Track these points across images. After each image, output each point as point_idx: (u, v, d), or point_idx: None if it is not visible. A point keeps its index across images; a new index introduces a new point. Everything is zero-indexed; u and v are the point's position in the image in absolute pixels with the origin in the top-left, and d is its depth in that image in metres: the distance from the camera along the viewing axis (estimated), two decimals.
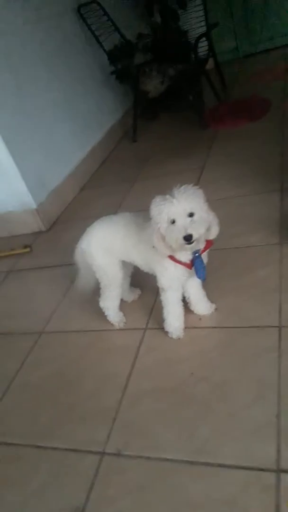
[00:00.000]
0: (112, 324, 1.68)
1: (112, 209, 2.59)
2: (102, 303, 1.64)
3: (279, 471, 1.05)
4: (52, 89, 2.86)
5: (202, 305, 1.58)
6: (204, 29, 3.73)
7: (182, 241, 1.21)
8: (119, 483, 1.16)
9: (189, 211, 1.22)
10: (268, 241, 1.83)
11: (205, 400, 1.28)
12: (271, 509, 0.98)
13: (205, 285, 1.56)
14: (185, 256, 1.34)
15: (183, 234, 1.20)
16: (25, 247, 2.47)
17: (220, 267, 1.77)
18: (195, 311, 1.58)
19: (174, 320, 1.51)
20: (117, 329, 1.67)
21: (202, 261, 1.35)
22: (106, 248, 1.51)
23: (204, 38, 3.58)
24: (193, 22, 4.11)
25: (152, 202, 1.26)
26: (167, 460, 1.17)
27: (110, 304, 1.64)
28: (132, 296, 1.78)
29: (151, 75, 3.28)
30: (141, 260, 1.50)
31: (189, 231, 1.20)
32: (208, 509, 1.03)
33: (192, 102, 3.26)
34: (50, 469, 1.26)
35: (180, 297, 1.49)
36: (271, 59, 4.48)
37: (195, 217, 1.23)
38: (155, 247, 1.31)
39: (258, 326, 1.45)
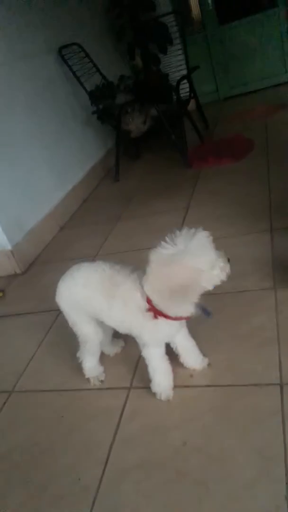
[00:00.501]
0: (88, 381, 1.49)
1: (93, 251, 2.45)
2: (79, 354, 1.46)
3: None
4: (31, 127, 2.78)
5: (192, 358, 1.40)
6: (184, 71, 3.78)
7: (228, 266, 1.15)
8: None
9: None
10: (262, 285, 1.70)
11: (200, 478, 1.09)
12: None
13: (195, 335, 1.40)
14: (187, 310, 1.19)
15: (227, 261, 1.15)
16: None
17: (216, 315, 1.62)
18: (185, 364, 1.41)
19: (161, 378, 1.33)
20: (97, 389, 1.48)
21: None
22: (77, 305, 1.34)
23: (185, 80, 3.61)
24: (174, 65, 4.17)
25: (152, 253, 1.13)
26: None
27: (86, 357, 1.46)
28: (114, 349, 1.59)
29: (133, 115, 3.24)
30: (116, 321, 1.31)
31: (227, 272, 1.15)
32: None
33: (174, 142, 3.22)
34: None
35: (164, 351, 1.32)
36: (250, 100, 4.57)
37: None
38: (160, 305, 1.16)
39: (257, 384, 1.28)
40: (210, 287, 1.14)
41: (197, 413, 1.26)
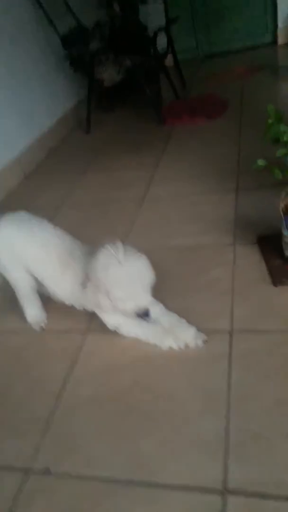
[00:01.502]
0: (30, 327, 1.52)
1: (58, 202, 2.42)
2: (20, 301, 1.50)
3: (226, 492, 0.94)
4: None
5: (186, 333, 1.31)
6: (163, 23, 3.64)
7: (134, 315, 1.23)
8: (45, 506, 1.00)
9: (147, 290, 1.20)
10: (222, 241, 1.74)
11: (150, 411, 1.16)
12: None
13: (156, 286, 1.42)
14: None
15: (140, 313, 1.22)
16: None
17: (173, 267, 1.66)
18: (177, 340, 1.31)
19: (156, 334, 1.33)
20: (56, 331, 1.51)
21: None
22: (13, 252, 1.37)
23: (163, 33, 3.49)
24: (153, 17, 4.01)
25: (100, 264, 1.19)
26: (103, 479, 1.03)
27: (24, 303, 1.49)
28: None
29: (107, 64, 3.12)
30: (66, 293, 1.38)
31: (143, 311, 1.22)
32: None
33: (149, 97, 3.15)
34: None
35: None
36: (230, 61, 4.48)
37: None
38: (94, 303, 1.27)
39: (209, 330, 1.34)
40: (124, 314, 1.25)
41: (150, 356, 1.31)
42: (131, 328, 1.34)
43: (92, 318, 1.49)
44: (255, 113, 2.96)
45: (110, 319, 1.34)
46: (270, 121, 1.57)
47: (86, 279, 1.25)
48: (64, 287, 1.37)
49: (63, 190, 2.54)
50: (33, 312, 1.51)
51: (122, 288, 1.17)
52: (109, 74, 3.16)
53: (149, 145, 2.90)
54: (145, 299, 1.21)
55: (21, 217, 1.43)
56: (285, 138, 1.56)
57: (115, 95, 3.62)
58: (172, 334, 1.30)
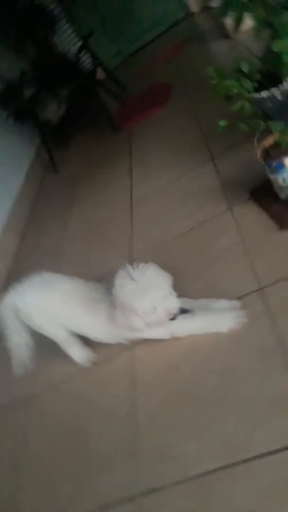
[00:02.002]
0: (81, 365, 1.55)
1: (60, 245, 2.46)
2: (62, 348, 1.54)
3: None
4: None
5: (227, 317, 1.31)
6: (80, 43, 3.71)
7: (167, 321, 1.24)
8: None
9: (164, 295, 1.22)
10: (218, 210, 1.75)
11: (219, 394, 1.16)
12: None
13: (176, 275, 1.42)
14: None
15: (169, 317, 1.23)
16: None
17: (182, 254, 1.68)
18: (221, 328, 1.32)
19: (210, 320, 1.33)
20: (105, 360, 1.53)
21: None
22: (44, 309, 1.43)
23: (85, 51, 3.56)
24: (68, 42, 4.09)
25: (119, 287, 1.23)
26: (206, 473, 1.04)
27: (68, 350, 1.54)
28: None
29: (46, 103, 3.19)
30: (104, 332, 1.43)
31: (174, 311, 1.24)
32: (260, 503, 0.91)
33: (96, 113, 3.20)
34: None
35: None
36: (155, 48, 4.52)
37: (167, 294, 1.23)
38: (129, 328, 1.29)
39: (240, 297, 1.35)
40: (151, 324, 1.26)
41: (198, 340, 1.32)
42: (181, 328, 1.35)
43: None
44: (200, 83, 2.96)
45: (160, 332, 1.35)
46: (214, 81, 1.59)
47: (112, 310, 1.29)
48: (99, 328, 1.42)
49: (58, 231, 2.59)
50: (78, 351, 1.54)
51: (144, 300, 1.20)
52: (52, 112, 3.22)
53: (116, 155, 2.94)
54: (170, 301, 1.23)
55: (40, 277, 1.49)
56: (235, 91, 1.57)
57: (66, 126, 3.69)
58: (220, 313, 1.32)
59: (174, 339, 1.36)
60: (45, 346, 1.74)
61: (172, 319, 1.25)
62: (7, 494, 1.37)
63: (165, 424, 1.20)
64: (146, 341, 1.44)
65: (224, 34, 3.24)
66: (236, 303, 1.32)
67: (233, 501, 0.96)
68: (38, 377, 1.68)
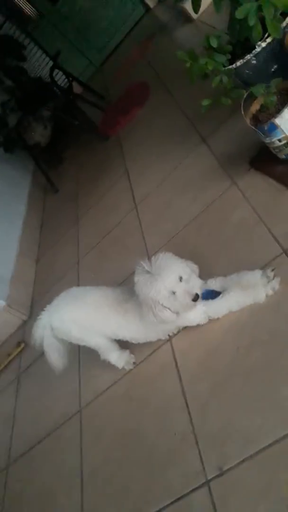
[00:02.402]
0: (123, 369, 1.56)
1: (75, 259, 2.48)
2: (102, 357, 1.55)
3: None
4: None
5: (260, 286, 1.28)
6: (51, 63, 3.75)
7: (192, 303, 1.21)
8: (242, 499, 1.00)
9: (178, 277, 1.20)
10: (223, 187, 1.74)
11: (266, 364, 1.15)
12: None
13: (198, 260, 1.38)
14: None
15: (191, 298, 1.19)
16: (19, 344, 2.31)
17: (199, 239, 1.68)
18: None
19: (245, 293, 1.29)
20: (144, 360, 1.53)
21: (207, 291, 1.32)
22: (80, 322, 1.45)
23: (57, 71, 3.60)
24: (39, 64, 4.13)
25: (136, 283, 1.23)
26: (271, 445, 1.02)
27: (108, 356, 1.54)
28: None
29: (32, 127, 3.23)
30: (141, 331, 1.42)
31: (194, 291, 1.20)
32: None
33: (81, 126, 3.23)
34: None
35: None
36: (123, 51, 4.56)
37: (185, 277, 1.21)
38: (160, 321, 1.25)
39: (266, 264, 1.33)
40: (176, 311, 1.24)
41: (231, 321, 1.31)
42: (217, 309, 1.32)
43: None
44: (174, 73, 2.98)
45: (196, 317, 1.34)
46: (188, 64, 1.59)
47: (140, 308, 1.28)
48: (134, 328, 1.41)
49: (70, 247, 2.61)
50: (118, 356, 1.55)
51: (158, 287, 1.19)
52: (39, 135, 3.26)
53: (109, 162, 2.96)
54: (192, 284, 1.21)
55: (69, 293, 1.51)
56: (210, 67, 1.56)
57: (56, 145, 3.73)
58: (253, 284, 1.28)
59: (212, 322, 1.35)
60: (85, 358, 1.77)
61: (195, 300, 1.20)
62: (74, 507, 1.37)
63: (219, 407, 1.19)
64: (181, 331, 1.44)
65: (186, 18, 3.24)
66: (269, 270, 1.29)
67: None
68: (85, 388, 1.70)
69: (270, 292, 1.25)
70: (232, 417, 1.14)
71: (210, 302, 1.32)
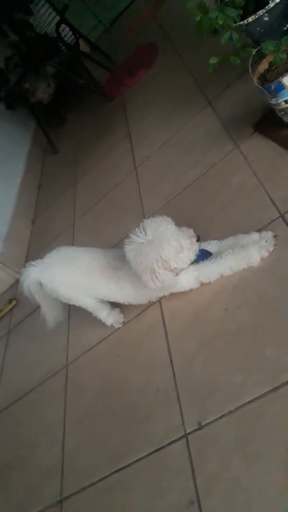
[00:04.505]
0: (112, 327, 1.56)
1: (70, 220, 2.45)
2: (92, 313, 1.54)
3: None
4: None
5: (254, 249, 1.26)
6: (57, 19, 3.61)
7: (197, 244, 1.21)
8: (218, 453, 1.02)
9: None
10: (225, 150, 1.70)
11: (253, 325, 1.15)
12: None
13: (194, 222, 1.37)
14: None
15: (194, 239, 1.19)
16: (10, 301, 2.32)
17: (198, 202, 1.64)
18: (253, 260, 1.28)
19: (238, 257, 1.26)
20: (134, 318, 1.52)
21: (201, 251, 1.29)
22: (69, 283, 1.42)
23: (64, 26, 3.47)
24: (46, 19, 3.98)
25: (133, 257, 1.18)
26: (251, 401, 1.03)
27: (97, 313, 1.54)
28: None
29: (35, 84, 3.14)
30: (133, 294, 1.39)
31: (196, 239, 1.20)
32: None
33: (86, 85, 3.13)
34: (146, 482, 1.11)
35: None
36: (133, 10, 4.39)
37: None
38: (159, 287, 1.21)
39: (261, 228, 1.31)
40: (184, 265, 1.23)
41: (221, 283, 1.30)
42: (209, 274, 1.29)
43: None
44: (184, 34, 2.87)
45: (188, 282, 1.31)
46: (197, 17, 1.52)
47: (133, 275, 1.25)
48: (127, 292, 1.38)
49: (66, 209, 2.58)
50: (107, 314, 1.54)
51: (166, 244, 1.15)
52: (42, 92, 3.17)
53: (112, 124, 2.89)
54: (188, 238, 1.19)
55: (60, 252, 1.47)
56: (220, 22, 1.49)
57: (59, 104, 3.64)
58: (248, 247, 1.24)
59: (203, 286, 1.33)
60: (75, 316, 1.78)
61: (198, 240, 1.21)
62: (56, 457, 1.40)
63: (203, 365, 1.19)
64: (171, 294, 1.43)
65: None
66: (268, 233, 1.25)
67: (286, 419, 0.94)
68: (73, 345, 1.71)
69: (265, 254, 1.22)
70: (215, 375, 1.14)
71: (202, 265, 1.29)
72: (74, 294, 1.46)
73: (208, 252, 1.32)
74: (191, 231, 1.20)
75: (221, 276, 1.29)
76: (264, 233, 1.26)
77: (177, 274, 1.23)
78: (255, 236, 1.27)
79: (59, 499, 1.30)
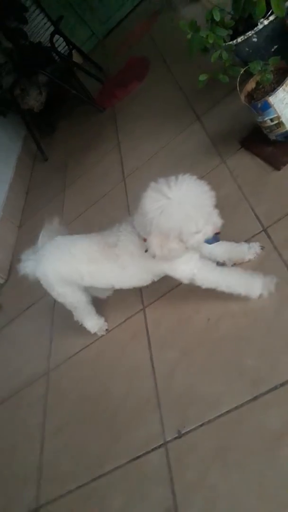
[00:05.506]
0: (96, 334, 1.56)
1: (57, 228, 2.45)
2: (76, 318, 1.51)
3: None
4: None
5: (239, 251, 1.27)
6: (52, 29, 3.67)
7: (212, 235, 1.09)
8: (196, 461, 1.03)
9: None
10: (212, 164, 1.73)
11: (234, 335, 1.17)
12: None
13: None
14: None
15: (215, 231, 1.07)
16: None
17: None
18: (237, 262, 1.29)
19: (239, 280, 1.17)
20: (118, 325, 1.54)
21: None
22: (64, 275, 1.35)
23: (58, 37, 3.52)
24: (41, 29, 4.04)
25: (154, 210, 1.02)
26: (230, 411, 1.04)
27: (83, 318, 1.52)
28: (106, 292, 1.58)
29: (27, 91, 3.16)
30: (136, 274, 1.27)
31: (218, 226, 1.07)
32: None
33: (77, 95, 3.17)
34: (124, 490, 1.11)
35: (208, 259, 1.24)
36: (127, 25, 4.47)
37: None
38: (162, 257, 1.08)
39: (246, 241, 1.34)
40: (190, 246, 1.07)
41: (208, 290, 1.32)
42: (207, 280, 1.18)
43: (141, 294, 1.52)
44: (175, 51, 2.95)
45: (184, 273, 1.19)
46: (188, 35, 1.57)
47: (127, 252, 1.17)
48: (131, 273, 1.27)
49: (55, 214, 2.58)
50: (93, 321, 1.54)
51: (192, 222, 1.02)
52: (34, 99, 3.19)
53: (102, 134, 2.92)
54: (215, 219, 1.07)
55: (54, 244, 1.39)
56: (210, 41, 1.54)
57: (51, 113, 3.66)
58: (253, 277, 1.17)
59: (187, 291, 1.32)
60: (58, 322, 1.77)
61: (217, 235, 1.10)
62: (34, 465, 1.39)
63: (185, 373, 1.21)
64: (156, 302, 1.45)
65: None
66: (256, 243, 1.27)
67: (264, 429, 0.96)
68: (55, 351, 1.70)
69: (266, 294, 1.16)
70: (196, 384, 1.16)
71: (206, 267, 1.19)
72: (68, 288, 1.39)
73: (217, 238, 1.17)
74: (219, 222, 1.08)
75: (215, 288, 1.19)
76: (252, 243, 1.28)
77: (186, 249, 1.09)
78: (244, 246, 1.28)
79: (35, 507, 1.29)
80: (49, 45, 3.49)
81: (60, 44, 3.71)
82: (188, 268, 1.18)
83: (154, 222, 1.02)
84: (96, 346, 1.55)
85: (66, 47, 3.62)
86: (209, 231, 1.07)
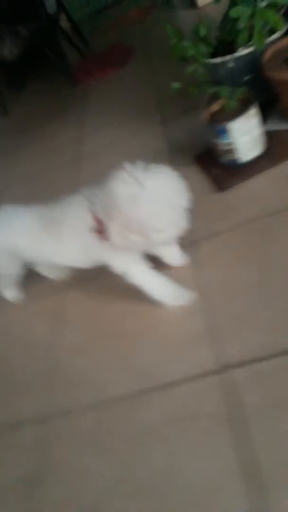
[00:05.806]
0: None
1: (1, 188, 2.39)
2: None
3: (221, 369, 1.04)
4: None
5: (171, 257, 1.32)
6: None
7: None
8: (70, 444, 1.08)
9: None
10: None
11: (137, 333, 1.24)
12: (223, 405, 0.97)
13: None
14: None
15: (177, 238, 1.04)
16: None
17: None
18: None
19: (163, 287, 1.21)
20: (38, 299, 1.55)
21: None
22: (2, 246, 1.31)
23: None
24: None
25: (123, 195, 0.96)
26: (116, 400, 1.11)
27: (4, 288, 1.54)
28: (61, 274, 1.56)
29: (3, 39, 3.02)
30: (77, 254, 1.22)
31: (185, 228, 1.02)
32: (166, 429, 1.00)
33: (54, 61, 3.09)
34: None
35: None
36: (123, 7, 4.41)
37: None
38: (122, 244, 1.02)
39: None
40: (145, 243, 1.02)
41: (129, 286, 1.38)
42: (136, 276, 1.18)
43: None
44: (161, 49, 2.97)
45: (122, 263, 1.17)
46: (172, 41, 1.61)
47: (105, 218, 1.03)
48: (72, 250, 1.21)
49: (1, 175, 2.51)
50: (13, 293, 1.57)
51: (163, 219, 0.97)
52: (8, 49, 3.05)
53: (69, 107, 2.88)
54: (183, 223, 1.02)
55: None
56: (190, 53, 1.60)
57: (23, 70, 3.53)
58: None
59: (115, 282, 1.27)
60: None
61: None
62: None
63: (84, 357, 1.26)
64: (81, 284, 1.48)
65: (191, 3, 3.24)
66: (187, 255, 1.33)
67: (138, 423, 1.04)
68: None
69: (176, 305, 1.21)
70: (91, 369, 1.21)
71: (140, 266, 1.19)
72: (4, 256, 1.34)
73: None
74: (186, 226, 1.03)
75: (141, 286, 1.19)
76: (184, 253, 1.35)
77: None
78: (179, 251, 1.33)
79: None
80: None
81: (51, 5, 3.56)
82: (125, 263, 1.17)
83: (121, 208, 0.95)
84: (4, 313, 1.56)
85: (56, 7, 3.48)
86: (174, 234, 1.03)
